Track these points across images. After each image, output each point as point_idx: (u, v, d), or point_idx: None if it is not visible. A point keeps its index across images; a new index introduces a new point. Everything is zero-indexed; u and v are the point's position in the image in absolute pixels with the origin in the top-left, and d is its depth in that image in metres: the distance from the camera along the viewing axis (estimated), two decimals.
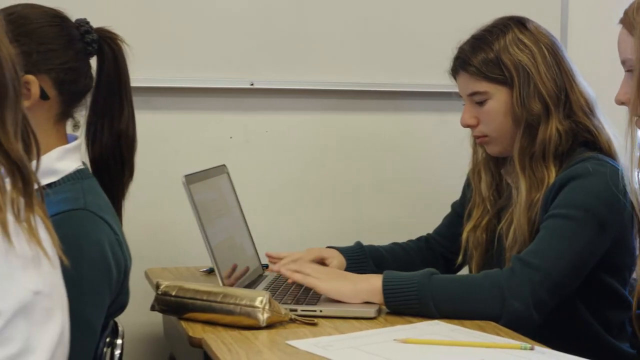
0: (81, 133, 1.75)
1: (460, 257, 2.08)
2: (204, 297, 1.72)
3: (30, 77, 1.54)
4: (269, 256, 2.11)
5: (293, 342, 1.55)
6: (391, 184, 2.68)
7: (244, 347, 1.54)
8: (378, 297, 1.77)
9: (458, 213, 2.18)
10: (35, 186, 1.16)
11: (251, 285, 2.01)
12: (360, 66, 2.61)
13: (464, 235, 2.05)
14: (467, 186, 2.17)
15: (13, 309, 1.09)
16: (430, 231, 2.25)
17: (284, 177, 2.59)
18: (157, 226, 2.48)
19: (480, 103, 1.96)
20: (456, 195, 2.24)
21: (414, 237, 2.24)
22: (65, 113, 1.68)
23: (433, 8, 2.66)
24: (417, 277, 1.76)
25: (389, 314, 1.77)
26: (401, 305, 1.75)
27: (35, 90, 1.55)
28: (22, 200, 1.13)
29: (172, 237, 2.47)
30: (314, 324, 1.69)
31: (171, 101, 2.47)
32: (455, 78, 2.01)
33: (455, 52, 2.00)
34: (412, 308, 1.74)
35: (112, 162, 1.76)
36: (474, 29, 2.00)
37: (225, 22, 2.49)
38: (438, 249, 2.20)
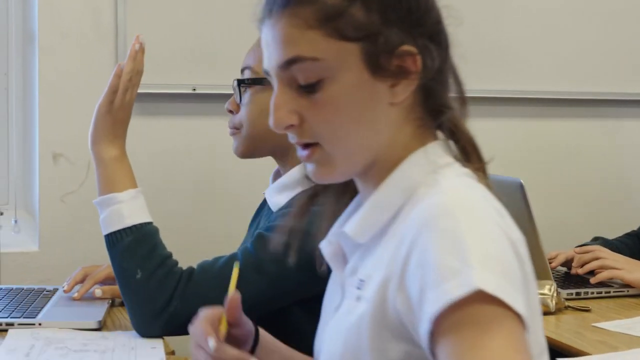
0: None
1: None
2: None
3: None
4: None
5: (599, 324, 1.79)
6: (578, 187, 2.92)
7: (558, 330, 1.77)
8: None
9: None
10: None
11: None
12: (553, 75, 2.86)
13: None
14: None
15: None
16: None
17: None
18: None
19: None
20: None
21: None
22: None
23: (621, 18, 2.91)
24: None
25: None
26: None
27: None
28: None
29: None
30: (588, 310, 1.81)
31: None
32: None
33: None
34: None
35: None
36: None
37: None
38: None
